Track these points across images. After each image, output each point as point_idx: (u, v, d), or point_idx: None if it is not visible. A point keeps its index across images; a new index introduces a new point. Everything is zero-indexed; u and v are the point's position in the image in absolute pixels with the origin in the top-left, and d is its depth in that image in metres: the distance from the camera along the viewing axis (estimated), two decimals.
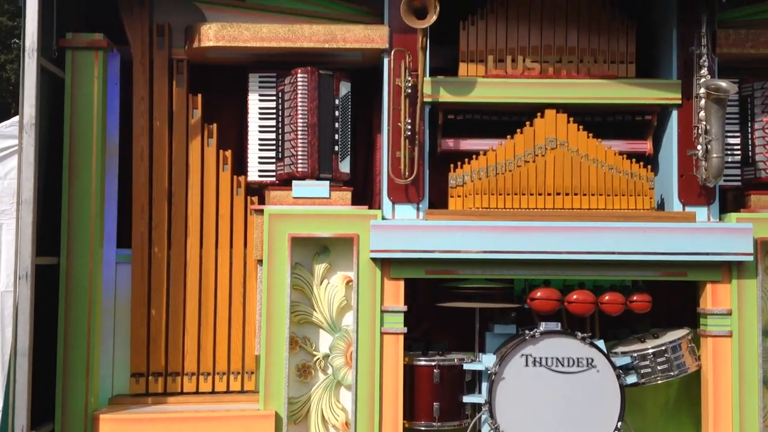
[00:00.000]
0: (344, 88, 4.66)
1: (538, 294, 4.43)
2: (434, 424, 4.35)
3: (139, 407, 4.43)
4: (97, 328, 4.44)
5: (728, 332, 4.44)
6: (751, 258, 4.38)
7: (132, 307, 4.59)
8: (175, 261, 4.63)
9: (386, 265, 4.41)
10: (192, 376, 4.61)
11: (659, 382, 4.46)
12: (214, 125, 4.74)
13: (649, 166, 4.62)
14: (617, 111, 4.71)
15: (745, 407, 4.40)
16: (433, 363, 4.38)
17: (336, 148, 4.60)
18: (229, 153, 4.73)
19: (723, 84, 4.40)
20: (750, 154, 4.71)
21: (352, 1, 4.68)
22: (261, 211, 4.49)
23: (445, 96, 4.56)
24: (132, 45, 4.66)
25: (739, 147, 4.75)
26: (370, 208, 4.62)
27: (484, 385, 4.36)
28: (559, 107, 4.59)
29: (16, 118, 4.76)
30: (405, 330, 4.39)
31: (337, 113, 4.61)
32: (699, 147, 4.46)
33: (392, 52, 4.52)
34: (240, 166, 4.77)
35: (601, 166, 4.55)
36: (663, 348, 4.42)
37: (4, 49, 14.80)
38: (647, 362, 4.42)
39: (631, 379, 4.40)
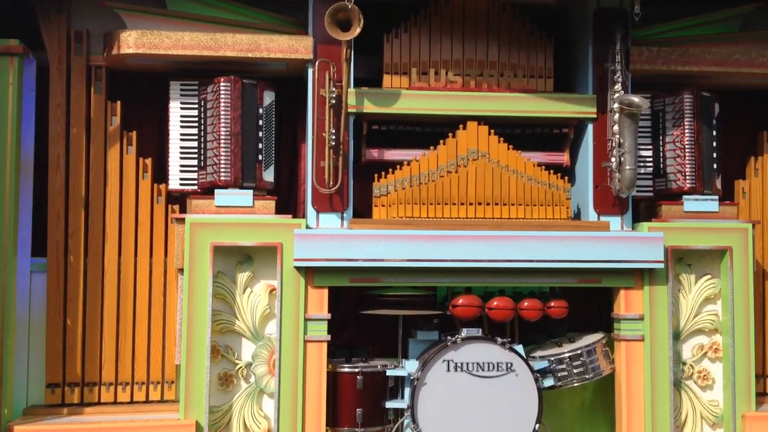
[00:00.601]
0: (268, 98, 5.03)
1: (460, 301, 4.91)
2: (357, 429, 4.77)
3: (54, 418, 4.69)
4: (10, 337, 4.68)
5: (640, 336, 5.00)
6: (662, 265, 4.96)
7: (47, 316, 4.85)
8: (92, 270, 4.91)
9: (310, 273, 4.81)
10: (110, 386, 4.90)
11: (575, 384, 4.98)
12: (134, 133, 5.03)
13: (566, 177, 5.16)
14: (536, 124, 5.23)
15: (656, 407, 4.95)
16: (357, 369, 4.81)
17: (260, 157, 4.96)
18: (149, 161, 5.03)
19: (636, 99, 4.96)
20: (661, 166, 5.30)
21: (276, 12, 5.05)
22: (182, 220, 4.80)
23: (369, 107, 4.99)
24: (49, 51, 4.93)
25: (651, 159, 5.33)
26: (295, 217, 5.01)
27: (407, 391, 4.79)
28: (481, 119, 5.08)
29: None
30: (328, 338, 4.79)
31: (261, 122, 4.98)
32: (613, 159, 5.03)
33: (317, 63, 4.91)
34: (161, 174, 5.07)
35: (520, 177, 5.07)
36: (579, 352, 4.94)
37: None
38: (564, 366, 4.93)
39: (549, 382, 4.91)
